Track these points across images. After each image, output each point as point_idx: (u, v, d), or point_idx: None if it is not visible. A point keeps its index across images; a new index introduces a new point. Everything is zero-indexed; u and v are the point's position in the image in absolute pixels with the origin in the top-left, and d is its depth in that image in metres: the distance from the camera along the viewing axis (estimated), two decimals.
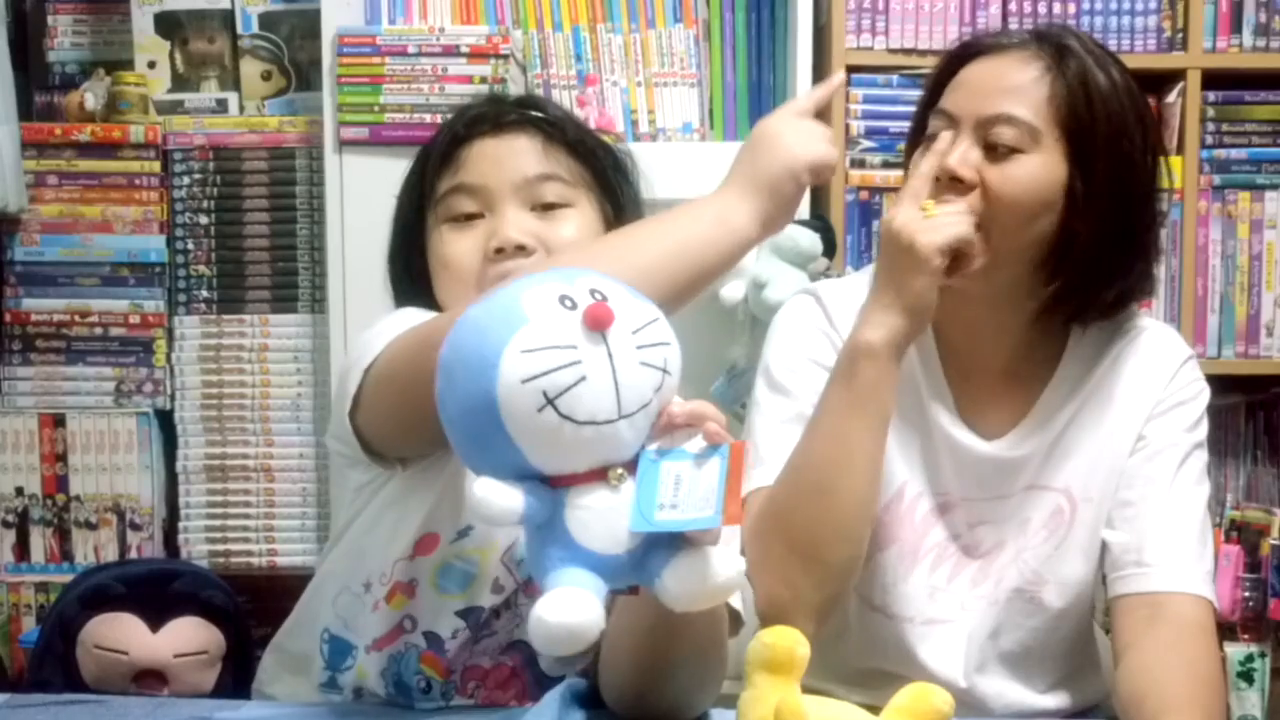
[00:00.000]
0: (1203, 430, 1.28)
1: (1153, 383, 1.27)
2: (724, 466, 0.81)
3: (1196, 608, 1.19)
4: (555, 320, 0.80)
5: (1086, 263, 1.20)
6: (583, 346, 0.79)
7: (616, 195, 1.22)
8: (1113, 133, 1.19)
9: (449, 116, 1.28)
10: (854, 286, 1.31)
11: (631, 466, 0.83)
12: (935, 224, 1.15)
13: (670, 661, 1.02)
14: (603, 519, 0.81)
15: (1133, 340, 1.29)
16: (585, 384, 0.79)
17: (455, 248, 1.16)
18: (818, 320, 1.30)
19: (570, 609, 0.78)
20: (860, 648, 1.29)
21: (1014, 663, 1.29)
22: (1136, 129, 1.21)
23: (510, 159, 1.16)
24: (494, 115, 1.20)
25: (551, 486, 0.82)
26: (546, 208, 1.16)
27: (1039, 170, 1.18)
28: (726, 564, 0.81)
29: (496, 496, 0.81)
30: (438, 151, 1.20)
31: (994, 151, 1.18)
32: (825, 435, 1.17)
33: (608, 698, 1.08)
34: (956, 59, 1.26)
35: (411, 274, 1.22)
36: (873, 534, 1.26)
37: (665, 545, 0.82)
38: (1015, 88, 1.19)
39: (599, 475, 0.82)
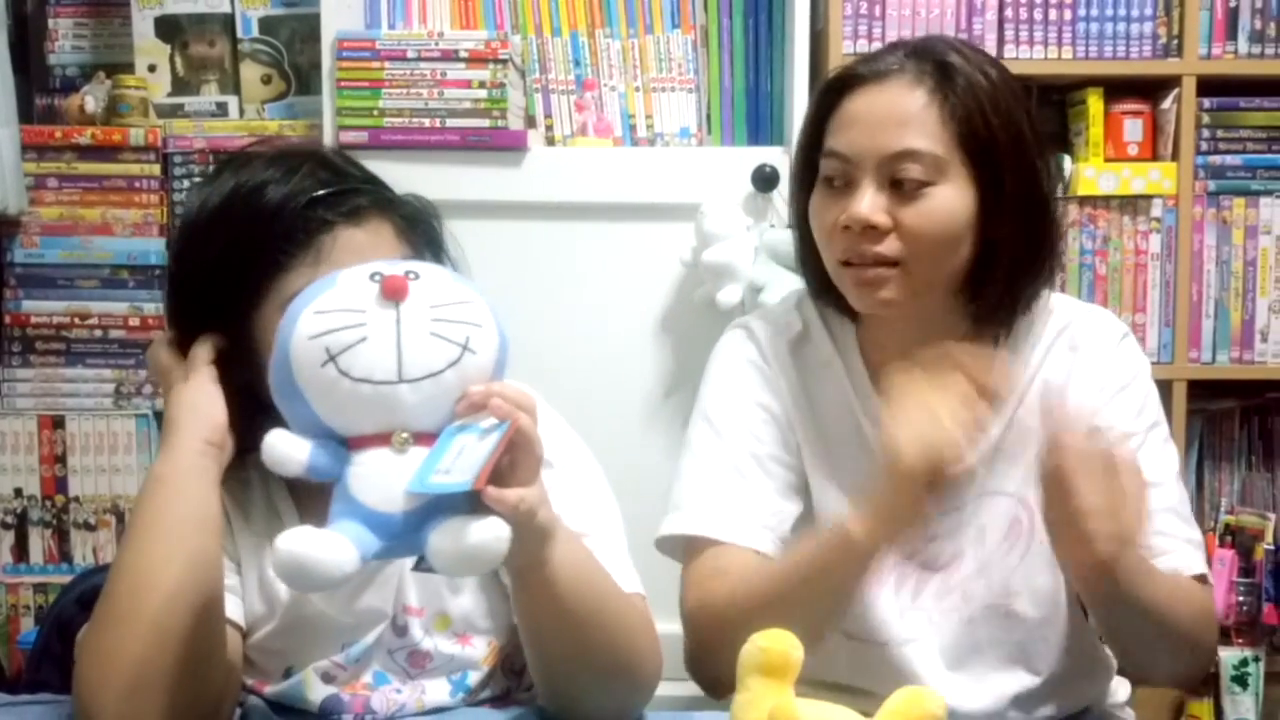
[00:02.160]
0: (1154, 407, 1.25)
1: (1091, 370, 1.24)
2: (497, 438, 0.85)
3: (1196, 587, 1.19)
4: (355, 288, 0.88)
5: (1009, 272, 1.19)
6: (371, 311, 0.86)
7: (434, 258, 1.13)
8: (1011, 139, 1.17)
9: (257, 185, 1.06)
10: (784, 317, 1.31)
11: (426, 436, 0.87)
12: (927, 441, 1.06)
13: (567, 664, 1.04)
14: (380, 477, 0.85)
15: (1064, 331, 1.26)
16: (365, 344, 0.85)
17: None
18: (752, 355, 1.29)
19: (306, 543, 0.82)
20: (839, 670, 1.27)
21: (1003, 678, 1.27)
22: (1028, 128, 1.19)
23: (378, 249, 1.04)
24: (351, 203, 1.06)
25: (349, 449, 0.87)
26: None
27: (952, 199, 1.16)
28: (484, 530, 0.83)
29: (282, 444, 0.88)
30: (281, 231, 1.03)
31: (901, 188, 1.15)
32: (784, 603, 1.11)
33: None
34: (833, 92, 1.20)
35: (202, 323, 1.07)
36: None
37: (441, 511, 0.84)
38: (909, 118, 1.15)
39: (385, 439, 0.86)
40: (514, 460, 0.90)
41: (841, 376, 1.27)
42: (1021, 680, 1.27)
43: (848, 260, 1.19)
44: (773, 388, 1.27)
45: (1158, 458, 1.24)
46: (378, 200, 1.09)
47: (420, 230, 1.13)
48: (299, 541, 0.82)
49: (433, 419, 0.87)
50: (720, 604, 1.16)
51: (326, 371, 0.86)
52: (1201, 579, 1.20)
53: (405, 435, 0.86)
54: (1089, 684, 1.34)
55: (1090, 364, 1.25)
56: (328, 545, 0.82)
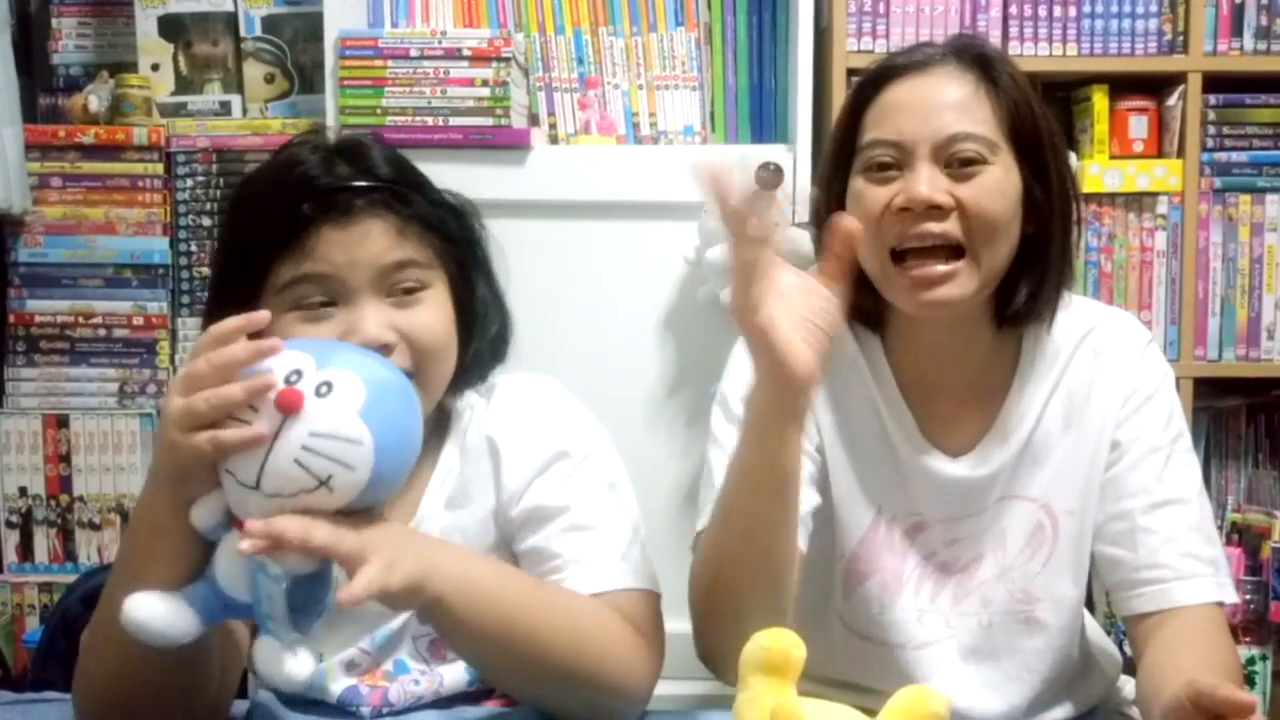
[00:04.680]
0: (1178, 418, 1.25)
1: (1115, 378, 1.24)
2: (266, 566, 0.90)
3: (1211, 612, 1.18)
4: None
5: (1045, 270, 1.20)
6: (265, 416, 0.88)
7: (463, 261, 1.16)
8: (1051, 135, 1.19)
9: (272, 174, 1.13)
10: None
11: None
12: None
13: (509, 675, 1.06)
14: (227, 560, 0.92)
15: (1088, 335, 1.26)
16: (234, 462, 0.89)
17: None
18: None
19: (148, 612, 0.90)
20: (852, 670, 1.28)
21: (1018, 684, 1.27)
22: (1056, 129, 1.21)
23: (364, 249, 1.07)
24: (343, 202, 1.08)
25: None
26: (405, 292, 1.09)
27: (1004, 178, 1.17)
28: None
29: (196, 510, 0.93)
30: (269, 225, 1.08)
31: (956, 170, 1.16)
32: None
33: None
34: (871, 85, 1.21)
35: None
36: (853, 567, 1.26)
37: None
38: (961, 104, 1.16)
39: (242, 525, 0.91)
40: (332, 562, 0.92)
41: (867, 378, 1.26)
42: (1037, 685, 1.27)
43: (901, 251, 1.17)
44: None
45: (1182, 473, 1.23)
46: (375, 201, 1.09)
47: (441, 230, 1.13)
48: (141, 610, 0.90)
49: None
50: (699, 569, 1.15)
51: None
52: (1219, 604, 1.19)
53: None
54: (1099, 683, 1.34)
55: (1115, 372, 1.25)
56: (168, 616, 0.90)
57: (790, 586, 1.11)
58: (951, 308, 1.18)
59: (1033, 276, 1.20)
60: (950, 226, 1.15)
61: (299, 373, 0.89)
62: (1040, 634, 1.26)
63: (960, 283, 1.16)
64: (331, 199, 1.07)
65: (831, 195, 1.23)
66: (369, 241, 1.07)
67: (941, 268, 1.16)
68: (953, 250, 1.16)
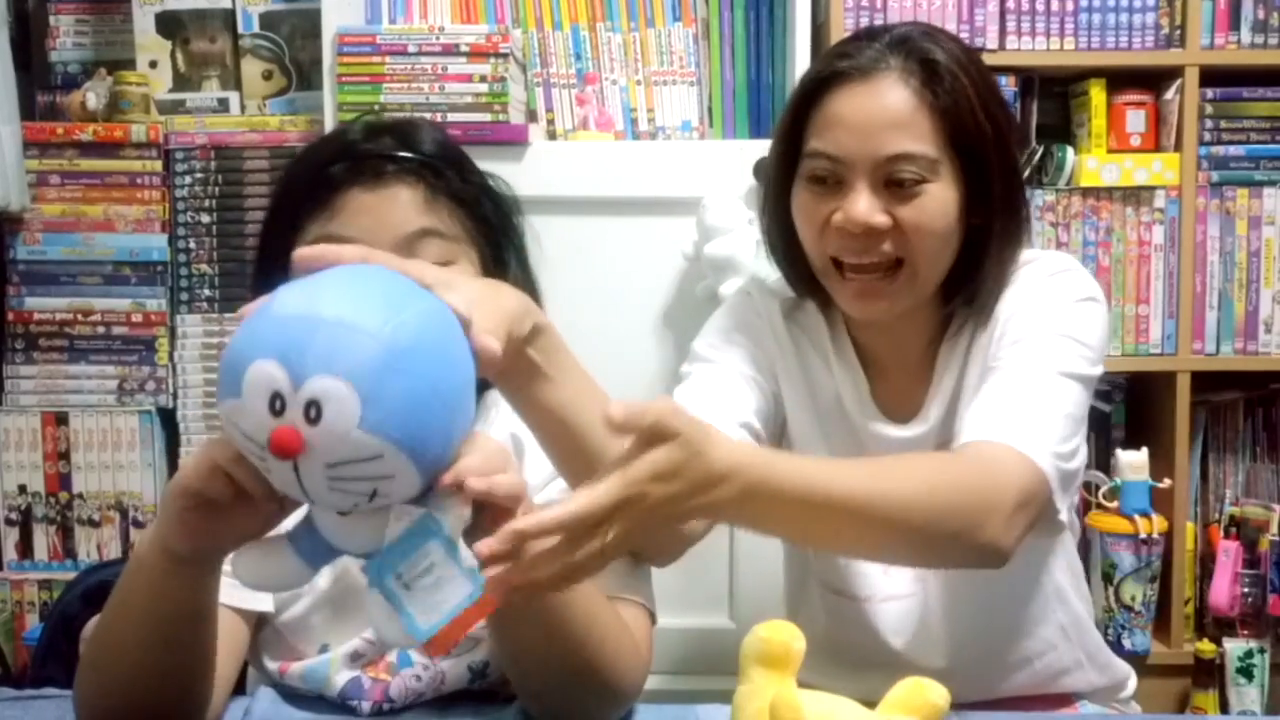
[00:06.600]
0: (1082, 329, 1.17)
1: (1023, 292, 1.21)
2: (442, 528, 0.78)
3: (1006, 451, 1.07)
4: (254, 417, 0.74)
5: (995, 259, 1.19)
6: (270, 458, 0.74)
7: (497, 244, 1.16)
8: (996, 134, 1.17)
9: (317, 145, 1.19)
10: (781, 282, 1.32)
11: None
12: None
13: (537, 666, 1.01)
14: (335, 531, 0.81)
15: (1011, 277, 1.23)
16: (273, 476, 0.77)
17: None
18: (747, 313, 1.31)
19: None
20: (831, 630, 1.29)
21: (987, 639, 1.28)
22: (1004, 117, 1.18)
23: (390, 214, 1.08)
24: (374, 166, 1.10)
25: None
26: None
27: (946, 195, 1.16)
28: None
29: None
30: (303, 186, 1.12)
31: (899, 187, 1.15)
32: None
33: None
34: (814, 90, 1.19)
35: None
36: None
37: None
38: (901, 120, 1.14)
39: None
40: (494, 517, 0.81)
41: (827, 345, 1.29)
42: (1006, 645, 1.28)
43: (839, 260, 1.19)
44: (764, 343, 1.29)
45: (1053, 363, 1.14)
46: (407, 170, 1.11)
47: (473, 209, 1.14)
48: (247, 573, 0.83)
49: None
50: None
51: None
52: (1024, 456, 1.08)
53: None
54: (1092, 673, 1.34)
55: (1024, 290, 1.21)
56: (276, 571, 0.83)
57: None
58: (891, 314, 1.20)
59: (985, 266, 1.19)
60: (889, 246, 1.16)
61: (279, 397, 0.73)
62: (996, 580, 1.16)
63: (898, 296, 1.19)
64: (364, 163, 1.10)
65: (781, 196, 1.24)
66: (396, 207, 1.09)
67: (880, 282, 1.18)
68: (893, 261, 1.17)
